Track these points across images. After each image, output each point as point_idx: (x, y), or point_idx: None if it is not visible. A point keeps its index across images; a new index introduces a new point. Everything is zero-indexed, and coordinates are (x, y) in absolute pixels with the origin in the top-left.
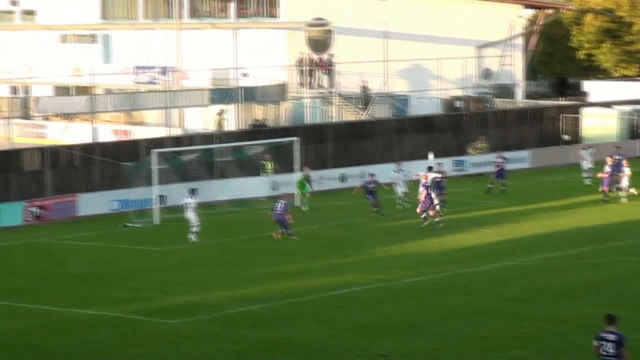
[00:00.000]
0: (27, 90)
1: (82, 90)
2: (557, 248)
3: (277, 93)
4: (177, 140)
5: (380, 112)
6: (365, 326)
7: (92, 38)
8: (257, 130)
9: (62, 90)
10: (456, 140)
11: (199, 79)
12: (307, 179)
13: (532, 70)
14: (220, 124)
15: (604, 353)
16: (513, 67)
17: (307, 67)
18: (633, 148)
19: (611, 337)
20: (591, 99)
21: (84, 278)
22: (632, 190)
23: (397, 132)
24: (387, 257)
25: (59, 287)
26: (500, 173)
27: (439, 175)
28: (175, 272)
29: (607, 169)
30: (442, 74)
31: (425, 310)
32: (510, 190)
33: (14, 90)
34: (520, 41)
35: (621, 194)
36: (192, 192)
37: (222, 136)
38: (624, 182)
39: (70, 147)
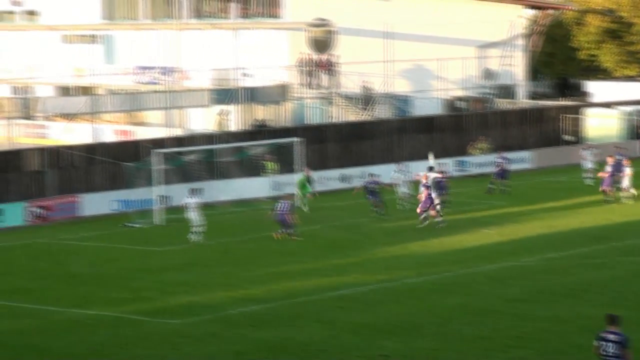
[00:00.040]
0: (28, 90)
1: (84, 91)
2: (559, 248)
3: (279, 93)
4: (178, 141)
5: (382, 112)
6: (366, 326)
7: (94, 38)
8: (259, 131)
9: (64, 91)
10: (457, 141)
11: (200, 79)
12: (308, 180)
13: (534, 71)
14: (221, 124)
15: (604, 353)
16: (514, 67)
17: (309, 68)
18: (634, 148)
19: (612, 337)
20: (592, 99)
21: (85, 278)
22: (632, 191)
23: (398, 133)
24: (388, 257)
25: (60, 287)
26: (502, 173)
27: (439, 176)
28: (176, 272)
29: (608, 168)
30: (444, 74)
31: (426, 310)
32: (512, 191)
33: (16, 90)
34: (521, 41)
35: (622, 194)
36: (193, 192)
37: (224, 136)
38: (625, 182)
39: (71, 148)
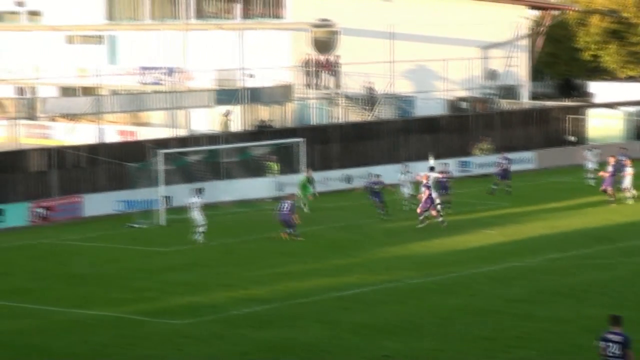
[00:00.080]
0: (32, 91)
1: (88, 91)
2: (561, 249)
3: (282, 94)
4: (182, 141)
5: (386, 113)
6: (368, 327)
7: (98, 39)
8: (262, 131)
9: (68, 91)
10: (461, 141)
11: (204, 79)
12: (309, 181)
13: (537, 71)
14: (225, 125)
15: (610, 354)
16: (518, 68)
17: (312, 68)
18: (636, 149)
19: (616, 337)
20: (596, 100)
21: (87, 278)
22: (633, 192)
23: (402, 133)
24: (390, 258)
25: (61, 287)
26: (504, 174)
27: (440, 176)
28: (179, 273)
29: (610, 168)
30: (447, 75)
31: (428, 310)
32: (514, 191)
33: (20, 91)
34: (525, 42)
35: (623, 194)
36: (198, 191)
37: (227, 137)
38: (626, 182)
39: (75, 148)
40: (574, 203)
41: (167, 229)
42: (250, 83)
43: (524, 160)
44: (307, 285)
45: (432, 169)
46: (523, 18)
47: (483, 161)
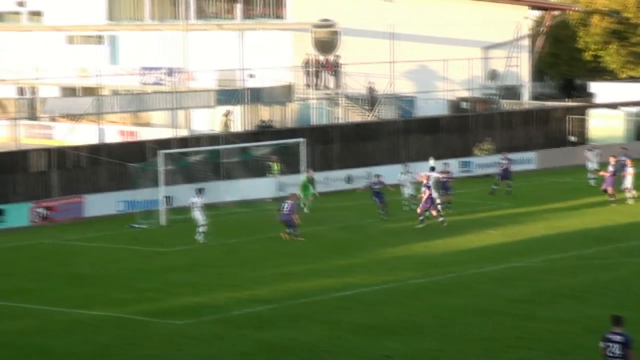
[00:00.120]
0: (33, 91)
1: (89, 91)
2: (562, 249)
3: (284, 94)
4: (183, 141)
5: (387, 113)
6: (370, 327)
7: (99, 39)
8: (263, 131)
9: (69, 91)
10: (462, 142)
11: (205, 80)
12: (310, 181)
13: (539, 72)
14: (226, 125)
15: (610, 354)
16: (519, 68)
17: (314, 68)
18: (639, 149)
19: (617, 338)
20: (598, 100)
21: (89, 279)
22: (633, 192)
23: (403, 133)
24: (392, 258)
25: (63, 287)
26: (505, 174)
27: (441, 176)
28: (181, 273)
29: (610, 168)
30: (448, 75)
31: (430, 311)
32: (516, 192)
33: (21, 91)
34: (526, 42)
35: (626, 194)
36: (199, 191)
37: (229, 137)
38: (627, 181)
39: (76, 148)
40: (575, 203)
41: (168, 229)
42: (251, 83)
43: (525, 160)
44: (309, 285)
45: (432, 169)
46: (524, 18)
47: (484, 161)
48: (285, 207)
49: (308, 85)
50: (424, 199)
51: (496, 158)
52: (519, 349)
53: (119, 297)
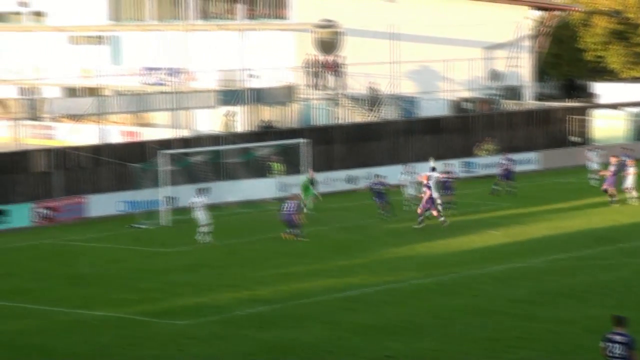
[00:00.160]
0: (36, 91)
1: (91, 92)
2: (564, 249)
3: (285, 94)
4: (185, 142)
5: (388, 113)
6: (372, 327)
7: (101, 39)
8: (265, 132)
9: (71, 92)
10: (464, 142)
11: (206, 80)
12: (311, 182)
13: (540, 72)
14: (228, 125)
15: (610, 354)
16: (521, 68)
17: (315, 69)
18: None
19: (618, 338)
20: (599, 100)
21: (91, 279)
22: (634, 193)
23: (404, 134)
24: (394, 258)
25: (65, 288)
26: (507, 174)
27: (442, 176)
28: (183, 273)
29: (611, 168)
30: (450, 76)
31: (432, 311)
32: (518, 192)
33: (24, 91)
34: (528, 43)
35: (626, 195)
36: (200, 191)
37: (230, 137)
38: (628, 181)
39: (78, 149)
40: (578, 204)
41: (171, 230)
42: (254, 84)
43: (528, 161)
44: (310, 285)
45: (433, 169)
46: (526, 19)
47: (487, 162)
48: (287, 207)
49: (309, 86)
50: (424, 199)
51: (497, 158)
52: (520, 349)
53: (120, 297)
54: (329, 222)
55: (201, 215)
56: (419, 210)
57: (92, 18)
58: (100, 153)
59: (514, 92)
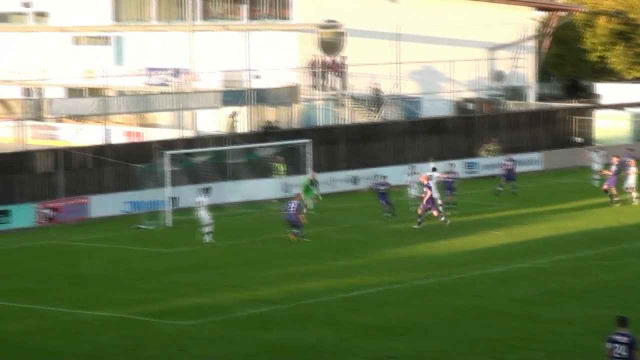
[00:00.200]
0: (39, 92)
1: (94, 92)
2: (567, 250)
3: (289, 95)
4: (188, 142)
5: (392, 114)
6: (375, 328)
7: (105, 40)
8: (269, 132)
9: (75, 92)
10: (467, 142)
11: (210, 80)
12: (312, 183)
13: (544, 73)
14: (231, 126)
15: (617, 355)
16: (525, 69)
17: (319, 69)
18: None
19: (623, 339)
20: (603, 101)
21: (94, 279)
22: (634, 194)
23: (408, 134)
24: (397, 259)
25: (68, 288)
26: (510, 175)
27: (443, 176)
28: (186, 274)
29: (613, 168)
30: (454, 76)
31: (435, 312)
32: (521, 193)
33: (27, 92)
34: (532, 43)
35: (632, 194)
36: (205, 191)
37: (234, 138)
38: (629, 181)
39: (82, 149)
40: (580, 204)
41: (174, 230)
42: (257, 84)
43: (530, 161)
44: (313, 286)
45: (434, 169)
46: (530, 19)
47: (489, 162)
48: (291, 207)
49: (313, 86)
50: (424, 200)
51: (500, 159)
52: (523, 350)
53: (122, 297)
54: (332, 222)
55: (203, 215)
56: (419, 211)
57: (96, 18)
58: (103, 153)
59: (517, 93)
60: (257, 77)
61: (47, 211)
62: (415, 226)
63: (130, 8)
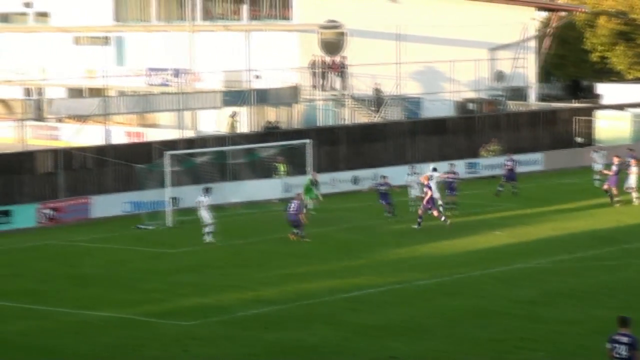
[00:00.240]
0: (40, 92)
1: (95, 92)
2: (569, 250)
3: (290, 95)
4: (189, 142)
5: (393, 114)
6: (377, 328)
7: (105, 40)
8: (270, 133)
9: (76, 92)
10: (469, 143)
11: (211, 81)
12: (313, 183)
13: (545, 73)
14: (232, 126)
15: (617, 356)
16: (526, 69)
17: (320, 70)
18: None
19: (624, 339)
20: (604, 101)
21: (96, 280)
22: (634, 194)
23: (409, 135)
24: (399, 259)
25: (70, 288)
26: (511, 175)
27: (444, 176)
28: (188, 274)
29: (614, 168)
30: (455, 76)
31: (437, 312)
32: (522, 193)
33: (28, 92)
34: (533, 43)
35: (633, 194)
36: (207, 190)
37: (235, 138)
38: (630, 181)
39: (83, 149)
40: (582, 204)
41: (175, 230)
42: (258, 84)
43: (532, 161)
44: (315, 286)
45: (434, 169)
46: (531, 19)
47: (491, 162)
48: (292, 207)
49: (314, 87)
50: (425, 200)
51: (502, 159)
52: (525, 350)
53: (125, 297)
54: (333, 222)
55: (205, 215)
56: (419, 211)
57: (97, 19)
58: (105, 154)
59: (519, 93)
60: (258, 77)
61: (48, 211)
62: (415, 226)
63: (131, 8)
